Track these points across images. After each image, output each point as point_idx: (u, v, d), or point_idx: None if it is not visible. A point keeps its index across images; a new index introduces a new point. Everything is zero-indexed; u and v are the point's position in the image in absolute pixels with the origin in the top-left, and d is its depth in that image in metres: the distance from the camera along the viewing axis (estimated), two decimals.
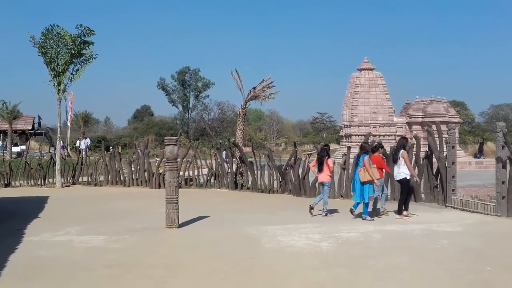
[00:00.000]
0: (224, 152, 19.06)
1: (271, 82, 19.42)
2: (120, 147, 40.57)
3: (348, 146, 16.89)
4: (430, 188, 13.47)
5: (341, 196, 14.84)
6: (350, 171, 14.81)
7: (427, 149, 13.88)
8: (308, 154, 17.98)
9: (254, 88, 19.36)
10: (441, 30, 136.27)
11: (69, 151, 37.03)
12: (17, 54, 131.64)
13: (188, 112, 73.09)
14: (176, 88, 72.87)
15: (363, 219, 10.65)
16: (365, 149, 11.06)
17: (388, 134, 39.61)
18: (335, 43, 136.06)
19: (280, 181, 16.54)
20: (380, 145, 11.90)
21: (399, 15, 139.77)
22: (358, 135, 38.28)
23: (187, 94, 73.10)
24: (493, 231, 9.53)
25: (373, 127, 39.36)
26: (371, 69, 41.74)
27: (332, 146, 40.79)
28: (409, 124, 42.00)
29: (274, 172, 16.67)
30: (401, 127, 41.55)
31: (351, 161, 14.97)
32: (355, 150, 17.59)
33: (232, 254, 7.59)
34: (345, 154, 15.43)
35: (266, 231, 9.38)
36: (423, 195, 13.67)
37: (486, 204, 11.32)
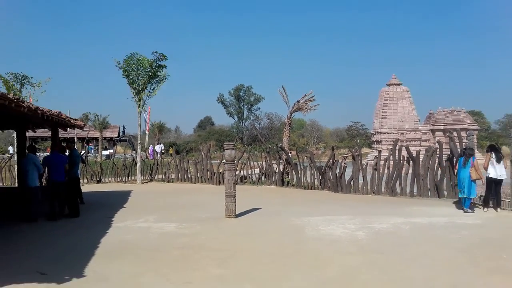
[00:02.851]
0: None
1: (312, 96, 19.20)
2: (171, 148, 42.67)
3: (379, 150, 16.48)
4: (451, 186, 12.95)
5: (373, 193, 14.50)
6: (381, 171, 14.48)
7: (448, 153, 13.38)
8: (344, 156, 17.70)
9: (298, 101, 19.22)
10: (460, 49, 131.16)
11: (152, 154, 37.73)
12: (106, 76, 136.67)
13: (242, 122, 73.50)
14: (233, 102, 73.54)
15: (464, 212, 10.32)
16: (471, 152, 10.79)
17: (413, 140, 38.73)
18: (365, 61, 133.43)
19: (320, 180, 16.34)
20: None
21: (424, 36, 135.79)
22: (387, 141, 37.53)
23: (242, 107, 73.58)
24: (509, 224, 9.05)
25: (401, 134, 38.51)
26: (399, 84, 40.92)
27: (364, 150, 39.98)
28: (433, 131, 40.73)
29: (315, 171, 16.49)
30: (425, 134, 40.41)
31: (382, 162, 14.67)
32: (385, 153, 17.22)
33: (280, 241, 7.56)
34: (376, 157, 15.07)
35: (309, 221, 9.28)
36: (445, 192, 13.17)
37: (502, 200, 10.76)
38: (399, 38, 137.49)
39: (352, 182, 15.07)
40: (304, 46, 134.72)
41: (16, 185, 14.24)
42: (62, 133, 17.06)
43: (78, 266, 5.94)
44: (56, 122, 12.71)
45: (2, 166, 21.43)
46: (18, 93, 21.48)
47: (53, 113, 11.76)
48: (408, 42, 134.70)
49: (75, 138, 35.54)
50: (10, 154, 28.53)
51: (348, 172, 15.45)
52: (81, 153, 21.69)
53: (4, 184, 20.45)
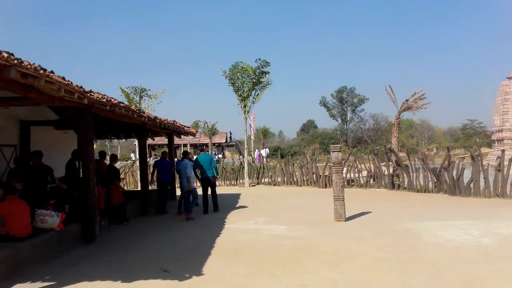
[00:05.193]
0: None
1: (423, 94, 18.21)
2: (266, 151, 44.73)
3: (502, 150, 14.95)
4: None
5: (497, 196, 13.20)
6: (505, 172, 13.13)
7: None
8: (462, 157, 16.39)
9: (407, 100, 18.34)
10: None
11: (258, 158, 38.65)
12: (213, 85, 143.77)
13: (346, 124, 72.16)
14: (335, 104, 72.70)
15: None
16: None
17: None
18: (482, 52, 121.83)
19: (435, 182, 15.30)
20: None
21: None
22: (510, 139, 33.97)
23: (345, 109, 72.37)
24: None
25: None
26: None
27: (483, 149, 36.64)
28: None
29: (428, 174, 15.50)
30: None
31: (506, 163, 13.31)
32: (508, 153, 15.58)
33: (395, 246, 7.20)
34: (499, 157, 13.70)
35: (425, 226, 8.72)
36: None
37: None
38: None
39: (471, 185, 13.87)
40: (410, 41, 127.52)
41: (139, 189, 15.52)
42: (175, 140, 18.24)
43: (196, 265, 6.28)
44: (172, 130, 13.70)
45: (126, 172, 23.61)
46: (138, 104, 23.58)
47: (169, 121, 12.69)
48: None
49: (188, 144, 37.92)
50: (133, 160, 31.34)
51: (466, 174, 14.26)
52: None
53: (128, 188, 22.50)
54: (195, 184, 11.64)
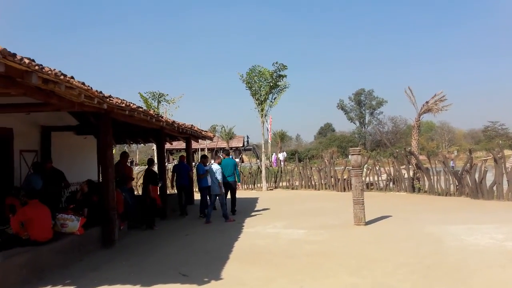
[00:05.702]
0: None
1: (443, 96, 17.95)
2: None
3: None
4: None
5: None
6: None
7: None
8: (484, 159, 16.04)
9: (427, 102, 18.10)
10: None
11: (275, 162, 38.48)
12: (231, 90, 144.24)
13: (364, 127, 71.66)
14: (353, 107, 72.33)
15: None
16: None
17: None
18: (502, 53, 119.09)
19: (457, 185, 14.99)
20: None
21: None
22: None
23: (363, 112, 71.92)
24: None
25: None
26: None
27: (506, 152, 35.86)
28: None
29: (450, 177, 15.20)
30: None
31: None
32: None
33: (417, 250, 7.06)
34: None
35: (447, 230, 8.53)
36: None
37: None
38: None
39: (494, 188, 13.54)
40: (430, 42, 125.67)
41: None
42: (193, 144, 18.31)
43: (215, 269, 6.27)
44: (190, 134, 13.76)
45: (139, 177, 23.72)
46: (156, 109, 23.79)
47: (187, 126, 12.76)
48: None
49: (206, 148, 38.10)
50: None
51: (489, 177, 13.94)
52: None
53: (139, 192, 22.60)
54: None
